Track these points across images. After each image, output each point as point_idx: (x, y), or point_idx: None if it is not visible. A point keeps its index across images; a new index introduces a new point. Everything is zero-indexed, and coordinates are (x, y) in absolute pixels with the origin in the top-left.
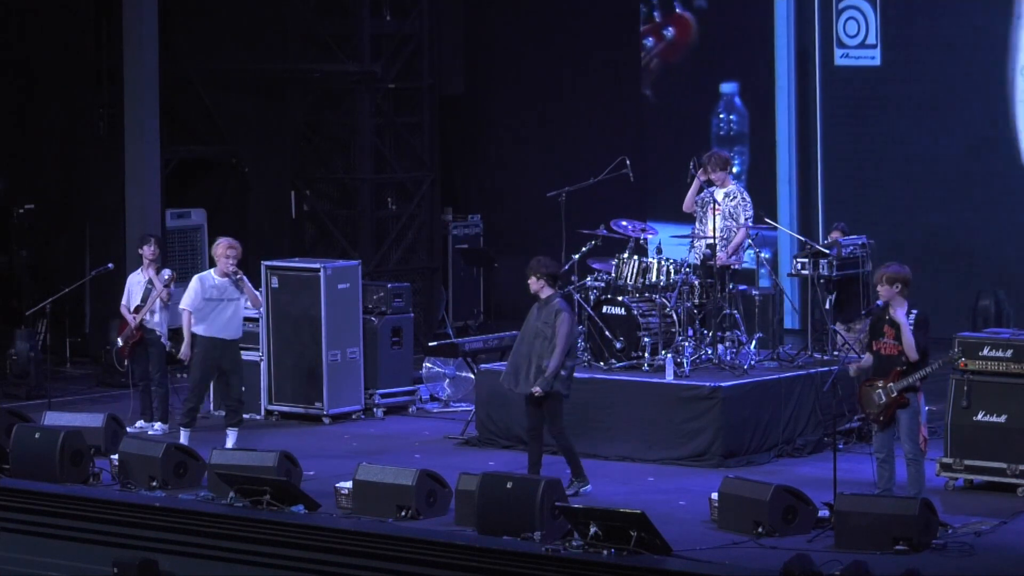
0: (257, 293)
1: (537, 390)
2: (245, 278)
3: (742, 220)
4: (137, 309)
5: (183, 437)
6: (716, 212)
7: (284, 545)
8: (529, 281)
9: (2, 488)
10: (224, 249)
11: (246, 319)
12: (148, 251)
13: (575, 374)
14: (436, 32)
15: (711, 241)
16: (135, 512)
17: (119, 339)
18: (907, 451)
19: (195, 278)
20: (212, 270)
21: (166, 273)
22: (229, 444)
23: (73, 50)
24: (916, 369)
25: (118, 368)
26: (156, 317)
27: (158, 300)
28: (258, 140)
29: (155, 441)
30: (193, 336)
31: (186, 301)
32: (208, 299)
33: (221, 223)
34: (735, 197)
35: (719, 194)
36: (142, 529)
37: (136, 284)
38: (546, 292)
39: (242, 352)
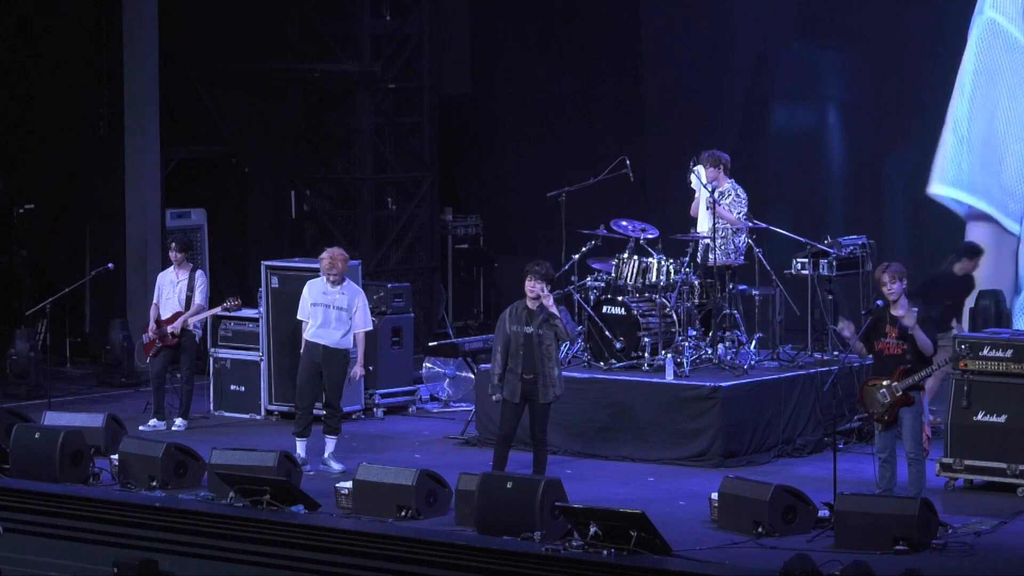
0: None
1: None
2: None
3: (734, 215)
4: (174, 317)
5: (299, 447)
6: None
7: (284, 545)
8: (537, 285)
9: (2, 488)
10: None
11: (245, 319)
12: (172, 255)
13: (574, 374)
14: (436, 32)
15: (707, 242)
16: (135, 512)
17: (145, 335)
18: (909, 450)
19: (306, 285)
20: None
21: (199, 275)
22: (327, 453)
23: (73, 50)
24: (921, 367)
25: (138, 363)
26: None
27: (199, 309)
28: (258, 140)
29: (155, 441)
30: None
31: (299, 311)
32: (315, 304)
33: (221, 223)
34: (729, 195)
35: (707, 193)
36: (142, 529)
37: (168, 284)
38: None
39: (243, 353)
